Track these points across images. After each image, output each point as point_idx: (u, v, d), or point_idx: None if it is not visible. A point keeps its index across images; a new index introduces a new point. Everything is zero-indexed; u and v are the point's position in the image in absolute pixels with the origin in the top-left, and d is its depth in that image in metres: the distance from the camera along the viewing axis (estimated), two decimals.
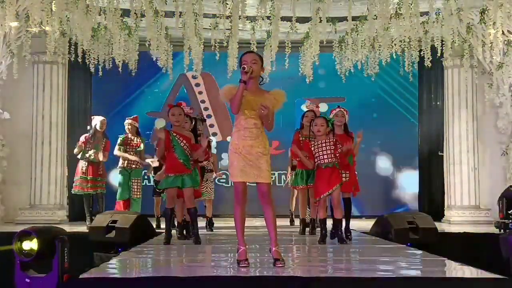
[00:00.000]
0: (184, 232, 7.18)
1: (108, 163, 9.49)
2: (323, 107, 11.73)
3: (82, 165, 9.05)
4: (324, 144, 6.46)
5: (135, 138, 9.22)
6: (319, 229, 8.10)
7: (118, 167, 9.29)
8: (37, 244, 3.97)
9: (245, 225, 4.69)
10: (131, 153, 9.13)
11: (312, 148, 6.51)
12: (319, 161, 6.46)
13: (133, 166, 9.15)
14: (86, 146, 9.05)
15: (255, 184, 4.63)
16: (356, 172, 7.22)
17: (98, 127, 9.12)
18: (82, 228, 8.75)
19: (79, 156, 9.15)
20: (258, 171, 4.53)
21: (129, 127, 9.24)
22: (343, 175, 6.77)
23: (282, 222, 7.60)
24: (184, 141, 6.55)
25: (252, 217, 8.87)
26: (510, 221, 8.15)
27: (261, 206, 4.63)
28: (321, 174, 6.46)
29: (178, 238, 7.08)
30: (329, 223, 6.73)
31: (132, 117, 9.46)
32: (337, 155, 6.44)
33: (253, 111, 4.56)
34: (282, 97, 4.66)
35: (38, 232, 4.04)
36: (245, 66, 4.52)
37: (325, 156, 6.43)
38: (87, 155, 9.00)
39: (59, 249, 3.90)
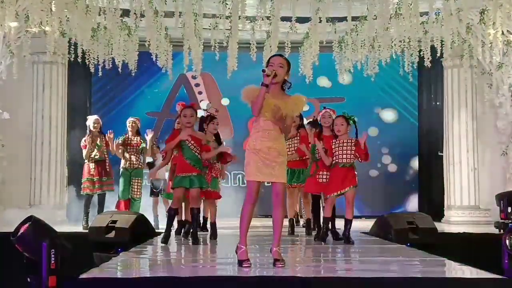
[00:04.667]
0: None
1: (112, 163, 9.42)
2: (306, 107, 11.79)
3: (89, 166, 8.99)
4: (345, 144, 6.49)
5: (136, 137, 9.17)
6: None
7: (120, 167, 9.25)
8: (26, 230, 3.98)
9: None
10: (132, 153, 9.09)
11: (333, 146, 6.54)
12: (337, 160, 6.51)
13: (134, 166, 9.10)
14: (89, 147, 9.00)
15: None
16: None
17: (91, 127, 9.07)
18: (81, 228, 8.75)
19: (86, 160, 9.11)
20: (274, 171, 4.58)
21: (133, 124, 9.16)
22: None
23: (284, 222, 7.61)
24: (192, 142, 6.54)
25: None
26: (511, 221, 8.13)
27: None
28: (336, 173, 6.50)
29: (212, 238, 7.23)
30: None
31: (136, 117, 9.41)
32: (358, 155, 6.48)
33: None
34: (302, 103, 4.74)
35: (34, 222, 4.03)
36: (266, 69, 4.56)
37: (344, 156, 6.47)
38: (92, 155, 8.96)
39: (45, 250, 3.88)
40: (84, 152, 9.00)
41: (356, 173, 6.61)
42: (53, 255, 3.90)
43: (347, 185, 6.44)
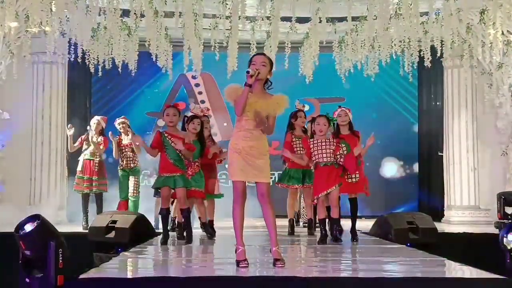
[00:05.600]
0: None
1: (113, 163, 9.39)
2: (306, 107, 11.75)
3: (80, 164, 9.01)
4: (324, 143, 6.45)
5: (127, 136, 9.10)
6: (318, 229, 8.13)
7: (118, 168, 9.23)
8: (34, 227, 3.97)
9: (245, 225, 4.70)
10: (127, 152, 9.04)
11: (311, 146, 6.50)
12: (317, 159, 6.45)
13: (131, 165, 9.07)
14: (82, 145, 9.01)
15: (254, 184, 4.66)
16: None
17: (93, 128, 9.07)
18: (81, 228, 8.75)
19: (72, 150, 9.16)
20: (257, 171, 4.57)
21: (123, 125, 9.12)
22: (353, 176, 6.78)
23: (284, 222, 7.61)
24: (176, 142, 6.51)
25: (251, 217, 8.86)
26: (509, 221, 8.15)
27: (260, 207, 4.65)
28: (319, 173, 6.46)
29: (208, 238, 7.16)
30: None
31: (121, 117, 9.34)
32: (338, 155, 6.43)
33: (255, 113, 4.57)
34: (285, 102, 4.67)
35: (42, 221, 4.03)
36: (249, 70, 4.54)
37: (324, 155, 6.41)
38: (82, 154, 8.97)
39: (53, 249, 3.89)
40: (74, 144, 9.00)
41: (341, 171, 6.54)
42: (60, 255, 3.92)
43: (332, 184, 6.40)
